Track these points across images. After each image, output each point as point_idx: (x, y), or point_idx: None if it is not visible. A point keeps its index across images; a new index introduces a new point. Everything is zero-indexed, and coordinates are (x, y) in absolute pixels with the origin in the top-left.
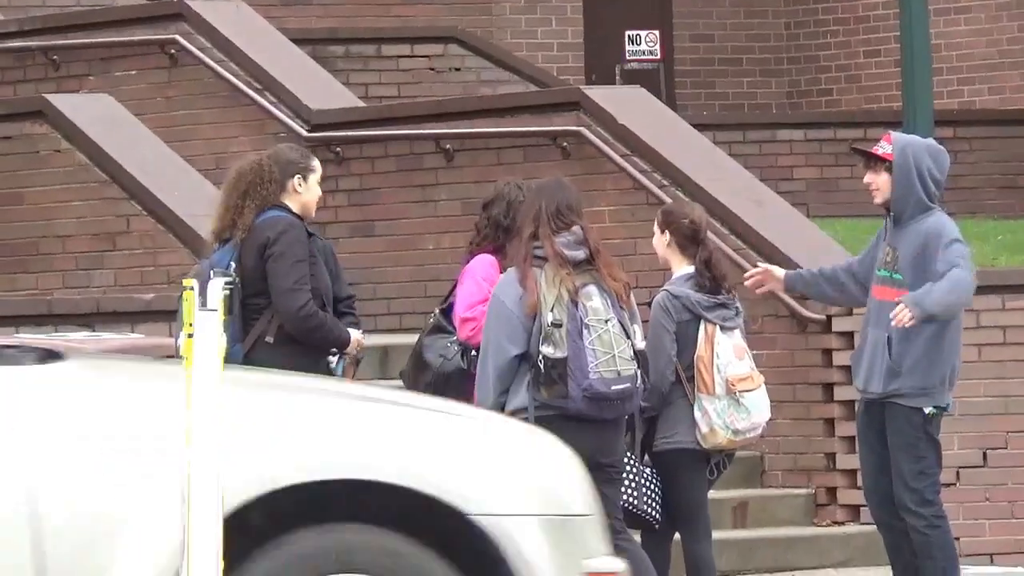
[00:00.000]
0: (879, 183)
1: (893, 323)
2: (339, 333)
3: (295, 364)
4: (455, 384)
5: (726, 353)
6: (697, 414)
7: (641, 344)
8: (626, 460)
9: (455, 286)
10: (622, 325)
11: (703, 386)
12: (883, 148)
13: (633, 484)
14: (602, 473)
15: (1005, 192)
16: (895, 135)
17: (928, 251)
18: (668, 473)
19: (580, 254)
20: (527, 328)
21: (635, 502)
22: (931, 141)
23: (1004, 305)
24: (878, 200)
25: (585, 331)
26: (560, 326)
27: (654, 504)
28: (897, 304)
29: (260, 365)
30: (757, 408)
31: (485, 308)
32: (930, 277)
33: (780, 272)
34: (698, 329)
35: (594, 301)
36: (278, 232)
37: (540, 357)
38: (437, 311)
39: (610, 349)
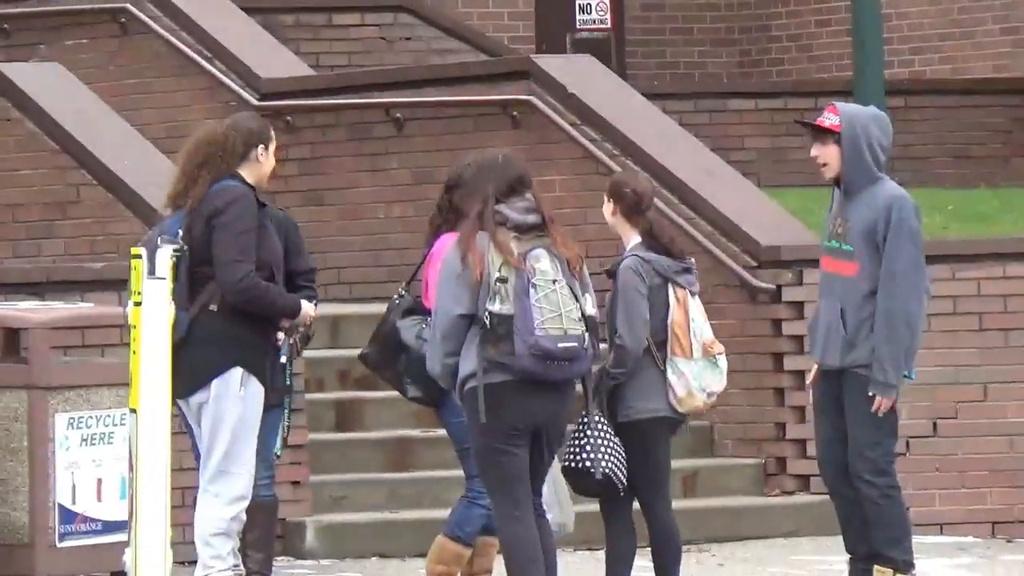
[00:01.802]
0: (827, 156)
1: (879, 414)
2: (284, 303)
3: (239, 333)
4: None
5: (699, 317)
6: (672, 378)
7: (592, 311)
8: (596, 424)
9: (421, 263)
10: (571, 289)
11: (679, 349)
12: (829, 119)
13: (604, 449)
14: (547, 442)
15: (956, 162)
16: (840, 105)
17: (879, 226)
18: (639, 442)
19: (531, 219)
20: (472, 289)
21: (612, 467)
22: (875, 109)
23: (954, 275)
24: (828, 174)
25: (532, 289)
26: (506, 281)
27: (624, 471)
28: (852, 280)
29: (205, 333)
30: (725, 371)
31: None
32: (881, 256)
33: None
34: (666, 294)
35: (542, 263)
36: (227, 202)
37: (487, 313)
38: (404, 291)
39: (557, 308)
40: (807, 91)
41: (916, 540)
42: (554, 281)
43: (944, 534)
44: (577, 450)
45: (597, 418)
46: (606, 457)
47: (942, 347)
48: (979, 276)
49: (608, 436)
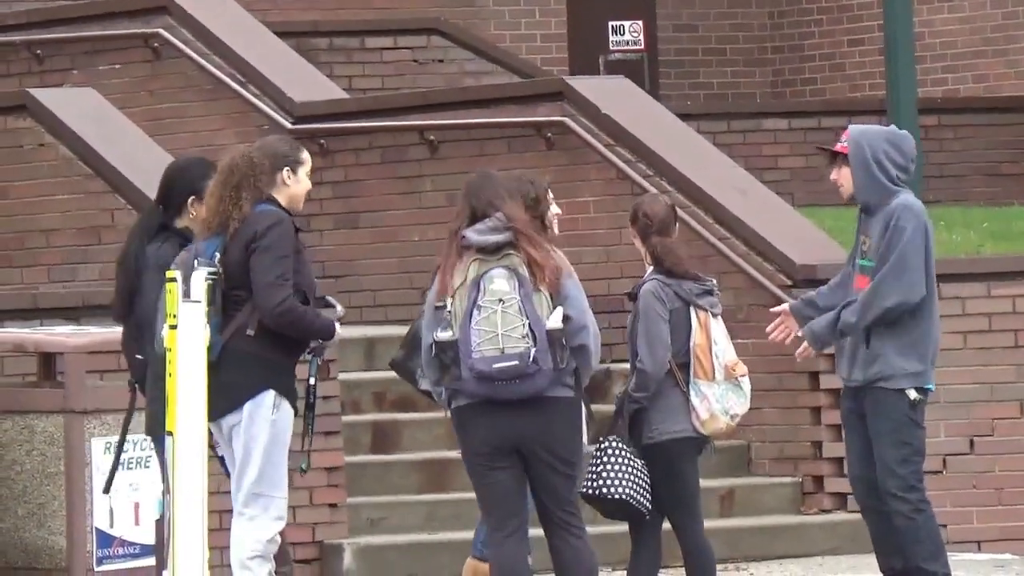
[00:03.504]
0: (842, 177)
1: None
2: (320, 325)
3: (272, 356)
4: None
5: (721, 339)
6: (695, 400)
7: (555, 324)
8: (612, 449)
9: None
10: (522, 305)
11: (701, 372)
12: (840, 143)
13: (625, 474)
14: (539, 463)
15: (990, 180)
16: (852, 127)
17: (887, 235)
18: (666, 463)
19: (494, 238)
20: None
21: (631, 492)
22: (891, 128)
23: (990, 292)
24: (844, 194)
25: (475, 312)
26: (444, 309)
27: (646, 494)
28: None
29: (238, 356)
30: (749, 393)
31: None
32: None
33: (785, 306)
34: (688, 317)
35: (496, 283)
36: (267, 226)
37: (432, 343)
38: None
39: (494, 328)
40: (840, 110)
41: (954, 557)
42: (500, 300)
43: (982, 551)
44: (594, 476)
45: (615, 443)
46: (623, 482)
47: (978, 364)
48: (1014, 293)
49: (626, 460)
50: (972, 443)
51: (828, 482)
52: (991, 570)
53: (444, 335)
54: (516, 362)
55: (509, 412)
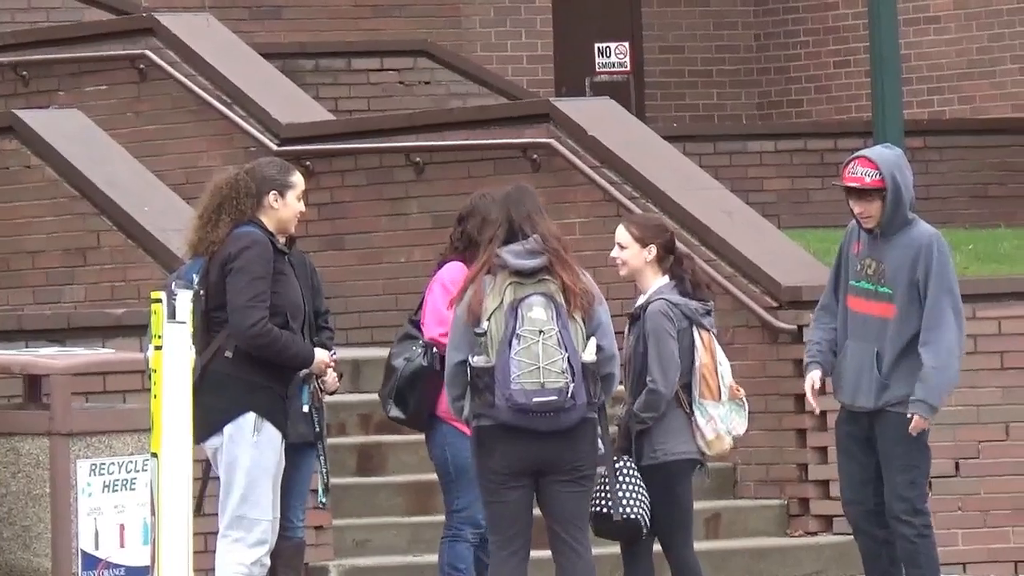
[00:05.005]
0: (872, 210)
1: (913, 434)
2: (295, 351)
3: (252, 378)
4: (419, 384)
5: (724, 359)
6: (700, 421)
7: (590, 357)
8: (631, 468)
9: (425, 297)
10: (561, 337)
11: (708, 392)
12: (869, 175)
13: (636, 494)
14: (558, 481)
15: (976, 201)
16: (873, 157)
17: (921, 264)
18: (665, 484)
19: (531, 263)
20: (472, 336)
21: (642, 512)
22: (898, 150)
23: (975, 314)
24: (870, 225)
25: (515, 341)
26: (483, 335)
27: (647, 512)
28: (889, 322)
29: (218, 378)
30: (746, 413)
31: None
32: (919, 297)
33: (816, 374)
34: (692, 337)
35: (535, 312)
36: (241, 248)
37: (468, 367)
38: (407, 322)
39: (536, 361)
40: (826, 132)
41: None
42: (541, 332)
43: (967, 573)
44: (607, 495)
45: (628, 463)
46: (637, 501)
47: (963, 386)
48: (1000, 315)
49: (637, 481)
50: (958, 465)
51: (814, 504)
52: None
53: (480, 361)
54: (555, 397)
55: (535, 438)
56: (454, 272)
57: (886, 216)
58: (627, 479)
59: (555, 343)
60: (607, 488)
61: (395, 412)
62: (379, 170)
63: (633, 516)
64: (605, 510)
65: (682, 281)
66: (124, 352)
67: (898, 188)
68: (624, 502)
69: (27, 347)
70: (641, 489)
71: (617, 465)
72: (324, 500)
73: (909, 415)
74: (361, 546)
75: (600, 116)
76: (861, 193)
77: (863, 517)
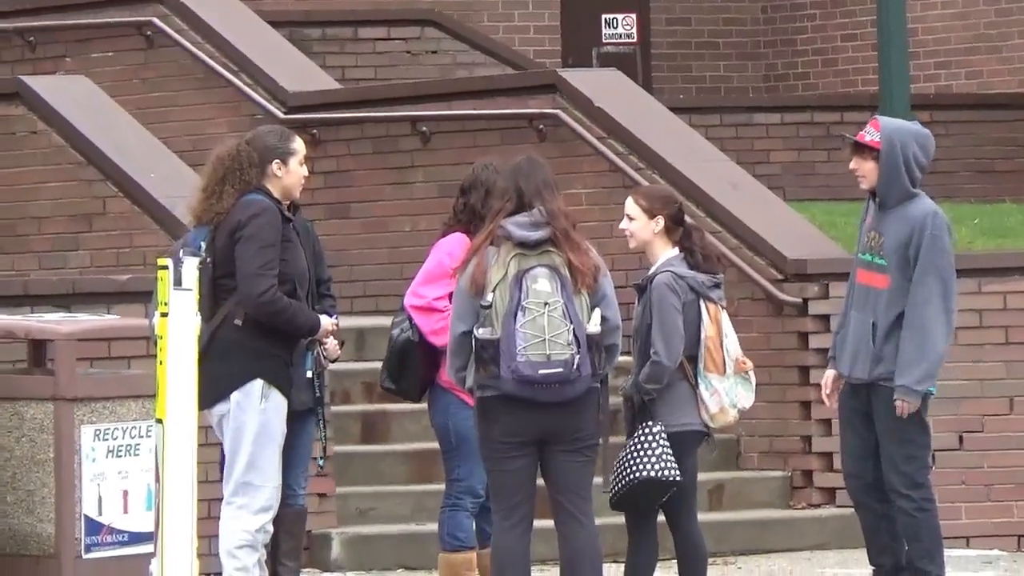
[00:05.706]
0: (865, 170)
1: (903, 416)
2: (303, 320)
3: (260, 345)
4: (408, 356)
5: (731, 332)
6: (705, 394)
7: (595, 329)
8: (660, 431)
9: None
10: (566, 309)
11: (712, 365)
12: (870, 135)
13: (657, 454)
14: (563, 450)
15: (981, 176)
16: (883, 121)
17: (913, 240)
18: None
19: (535, 235)
20: (476, 307)
21: (670, 472)
22: (918, 126)
23: (980, 288)
24: (864, 186)
25: (520, 313)
26: (489, 307)
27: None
28: (883, 293)
29: (225, 345)
30: (754, 386)
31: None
32: (911, 271)
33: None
34: (698, 310)
35: (540, 283)
36: (249, 215)
37: (473, 338)
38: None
39: (541, 333)
40: (833, 105)
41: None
42: (546, 304)
43: (970, 547)
44: (651, 459)
45: (658, 427)
46: (652, 459)
47: (968, 360)
48: (1005, 290)
49: (656, 440)
50: (961, 439)
51: (817, 477)
52: (980, 566)
53: (485, 333)
54: (561, 369)
55: (539, 409)
56: (454, 243)
57: (881, 182)
58: (662, 442)
59: (560, 315)
60: (650, 452)
61: (388, 384)
62: (385, 139)
63: (676, 478)
64: (654, 473)
65: (692, 253)
66: (129, 318)
67: (895, 157)
68: (668, 464)
69: (32, 312)
70: (664, 448)
71: (655, 430)
72: (322, 464)
73: (896, 399)
74: (364, 514)
75: (607, 87)
76: (857, 148)
77: (862, 490)
